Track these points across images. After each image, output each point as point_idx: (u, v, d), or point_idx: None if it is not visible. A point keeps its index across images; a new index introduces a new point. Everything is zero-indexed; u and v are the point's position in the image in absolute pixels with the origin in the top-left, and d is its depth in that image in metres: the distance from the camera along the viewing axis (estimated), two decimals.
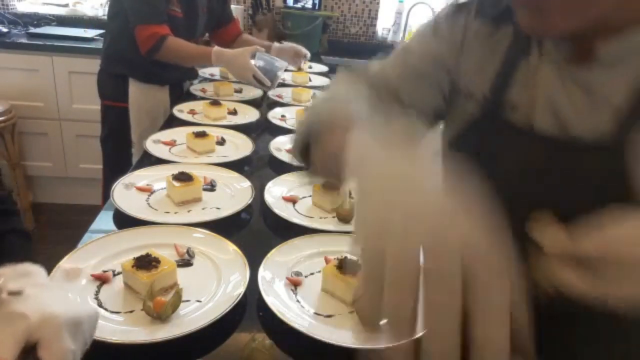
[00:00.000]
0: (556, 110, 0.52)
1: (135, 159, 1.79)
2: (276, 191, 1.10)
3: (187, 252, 0.84)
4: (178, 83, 1.92)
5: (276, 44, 2.04)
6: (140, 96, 1.77)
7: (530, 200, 0.49)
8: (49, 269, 0.65)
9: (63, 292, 0.58)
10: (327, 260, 0.84)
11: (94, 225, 0.92)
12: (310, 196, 1.10)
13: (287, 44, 2.06)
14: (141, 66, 1.71)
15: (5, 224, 0.61)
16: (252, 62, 1.66)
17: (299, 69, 2.35)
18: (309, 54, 2.10)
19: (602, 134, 0.48)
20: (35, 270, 0.56)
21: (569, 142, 0.51)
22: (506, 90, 0.57)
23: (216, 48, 1.69)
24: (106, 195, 1.23)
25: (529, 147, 0.54)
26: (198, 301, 0.73)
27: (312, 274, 0.83)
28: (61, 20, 2.93)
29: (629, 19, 0.45)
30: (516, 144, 0.55)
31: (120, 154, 1.84)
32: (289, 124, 1.60)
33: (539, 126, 0.53)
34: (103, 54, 1.81)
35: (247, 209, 1.02)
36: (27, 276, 0.55)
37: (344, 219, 1.01)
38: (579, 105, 0.50)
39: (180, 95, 1.90)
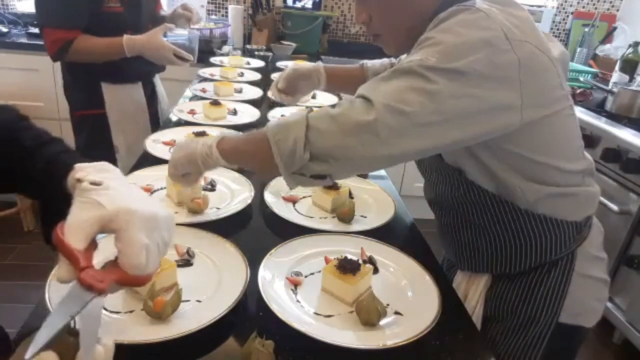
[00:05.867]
0: None
1: (120, 164, 1.76)
2: (276, 191, 1.10)
3: (187, 252, 0.84)
4: (148, 78, 1.86)
5: (168, 11, 1.92)
6: (115, 98, 1.73)
7: None
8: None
9: (141, 191, 0.59)
10: (327, 260, 0.84)
11: None
12: (310, 196, 1.11)
13: (178, 9, 1.89)
14: (109, 65, 1.61)
15: (55, 147, 0.65)
16: (166, 39, 1.58)
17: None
18: (196, 13, 1.91)
19: None
20: (112, 168, 0.59)
21: None
22: None
23: (126, 37, 1.55)
24: None
25: None
26: (198, 301, 0.73)
27: (312, 274, 0.83)
28: None
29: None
30: None
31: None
32: None
33: None
34: (65, 67, 1.73)
35: (247, 209, 1.02)
36: (106, 172, 0.58)
37: (344, 219, 1.01)
38: None
39: (153, 91, 1.87)
